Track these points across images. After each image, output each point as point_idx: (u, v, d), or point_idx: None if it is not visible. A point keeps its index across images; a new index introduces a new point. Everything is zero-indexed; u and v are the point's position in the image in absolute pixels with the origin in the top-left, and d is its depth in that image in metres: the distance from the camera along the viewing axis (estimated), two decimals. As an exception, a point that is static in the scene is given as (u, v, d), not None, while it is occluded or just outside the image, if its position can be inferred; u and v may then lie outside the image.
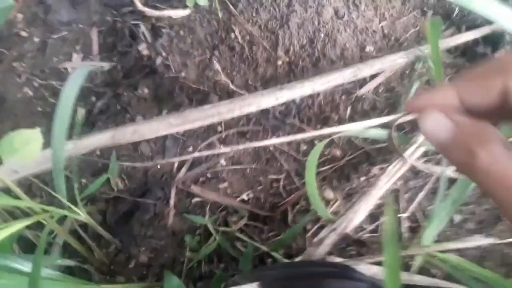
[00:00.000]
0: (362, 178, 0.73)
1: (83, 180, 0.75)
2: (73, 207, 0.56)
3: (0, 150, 0.60)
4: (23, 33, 0.90)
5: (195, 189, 0.71)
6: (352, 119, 0.75)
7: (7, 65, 0.88)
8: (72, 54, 0.87)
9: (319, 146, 0.59)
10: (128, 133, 0.69)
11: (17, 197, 0.59)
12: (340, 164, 0.73)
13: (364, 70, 0.74)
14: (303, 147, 0.74)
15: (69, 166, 0.73)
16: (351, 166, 0.74)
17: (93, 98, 0.82)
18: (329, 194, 0.72)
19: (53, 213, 0.55)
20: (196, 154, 0.75)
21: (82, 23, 0.88)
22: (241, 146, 0.73)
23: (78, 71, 0.63)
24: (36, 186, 0.76)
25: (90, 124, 0.79)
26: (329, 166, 0.74)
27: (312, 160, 0.61)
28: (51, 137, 0.58)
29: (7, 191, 0.61)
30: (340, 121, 0.75)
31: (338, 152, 0.74)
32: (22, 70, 0.87)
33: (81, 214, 0.57)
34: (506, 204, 0.28)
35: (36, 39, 0.90)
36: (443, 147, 0.33)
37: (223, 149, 0.75)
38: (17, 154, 0.61)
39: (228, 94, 0.77)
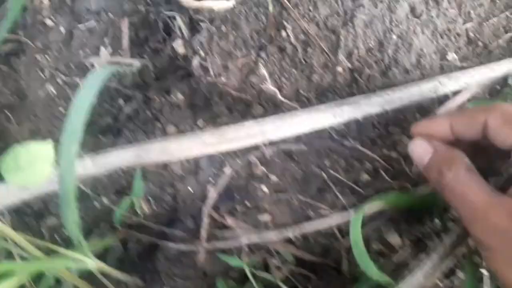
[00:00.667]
0: (436, 220, 0.59)
1: (104, 199, 0.65)
2: (82, 257, 0.46)
3: (3, 169, 0.51)
4: (49, 22, 0.81)
5: (230, 221, 0.60)
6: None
7: (31, 57, 0.79)
8: (100, 48, 0.76)
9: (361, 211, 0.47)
10: (155, 152, 0.58)
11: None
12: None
13: (447, 85, 0.59)
14: (364, 176, 0.60)
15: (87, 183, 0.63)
16: (424, 203, 0.59)
17: (121, 101, 0.72)
18: (395, 238, 0.58)
19: (56, 263, 0.45)
20: (234, 176, 0.63)
21: (112, 12, 0.77)
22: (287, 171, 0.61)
23: (98, 72, 0.51)
24: (54, 202, 0.67)
25: (115, 132, 0.69)
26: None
27: (357, 218, 0.49)
28: (58, 156, 0.47)
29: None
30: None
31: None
32: (46, 64, 0.78)
33: (93, 265, 0.46)
34: (465, 217, 0.40)
35: (62, 29, 0.80)
36: (424, 168, 0.46)
37: (265, 172, 0.62)
38: (23, 174, 0.51)
39: (275, 105, 0.64)
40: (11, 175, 0.50)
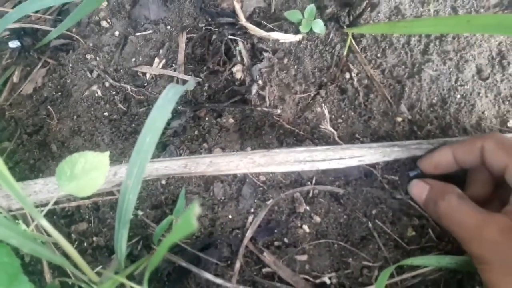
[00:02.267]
0: (477, 287, 0.58)
1: (140, 212, 0.63)
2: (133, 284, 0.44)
3: (58, 174, 0.49)
4: (104, 23, 0.80)
5: (267, 257, 0.58)
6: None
7: (81, 55, 0.79)
8: (154, 58, 0.76)
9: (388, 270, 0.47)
10: (203, 164, 0.57)
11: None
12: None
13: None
14: (411, 232, 0.59)
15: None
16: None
17: (169, 115, 0.71)
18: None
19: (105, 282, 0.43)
20: (276, 210, 0.62)
21: (171, 25, 0.77)
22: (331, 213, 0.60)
23: (170, 92, 0.51)
24: (86, 207, 0.65)
25: (160, 146, 0.68)
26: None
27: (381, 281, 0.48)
28: (126, 174, 0.46)
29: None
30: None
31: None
32: (95, 65, 0.77)
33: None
34: (462, 238, 0.46)
35: (116, 33, 0.79)
36: (423, 203, 0.54)
37: (309, 211, 0.61)
38: (77, 182, 0.50)
39: (327, 144, 0.64)
40: (65, 182, 0.48)
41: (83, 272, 0.43)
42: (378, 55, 0.63)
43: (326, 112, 0.61)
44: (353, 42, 0.64)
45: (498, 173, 0.49)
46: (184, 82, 0.71)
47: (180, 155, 0.66)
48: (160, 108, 0.47)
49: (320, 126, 0.62)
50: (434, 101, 0.62)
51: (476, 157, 0.50)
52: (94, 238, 0.64)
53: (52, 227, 0.41)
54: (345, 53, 0.62)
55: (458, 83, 0.62)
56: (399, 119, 0.62)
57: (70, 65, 0.78)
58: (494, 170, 0.49)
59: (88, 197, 0.64)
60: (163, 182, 0.65)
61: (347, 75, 0.64)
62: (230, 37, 0.69)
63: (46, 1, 0.65)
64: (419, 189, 0.54)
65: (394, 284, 0.56)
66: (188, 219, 0.25)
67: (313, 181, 0.62)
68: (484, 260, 0.44)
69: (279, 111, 0.65)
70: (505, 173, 0.48)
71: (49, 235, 0.42)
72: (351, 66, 0.63)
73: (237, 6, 0.69)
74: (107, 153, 0.51)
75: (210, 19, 0.74)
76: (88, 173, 0.49)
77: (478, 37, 0.64)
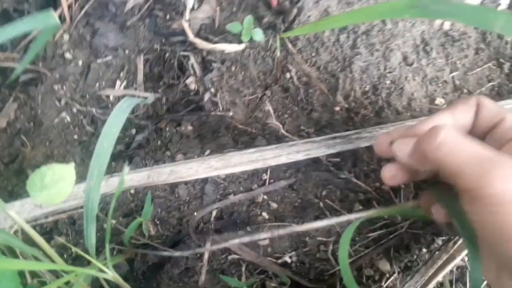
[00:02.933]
0: (424, 250, 0.64)
1: (113, 221, 0.69)
2: (102, 267, 0.49)
3: (29, 187, 0.55)
4: (68, 55, 0.87)
5: (232, 244, 0.64)
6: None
7: (48, 87, 0.85)
8: (116, 81, 0.82)
9: (353, 226, 0.52)
10: (164, 174, 0.63)
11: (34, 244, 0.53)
12: (400, 231, 0.64)
13: (434, 125, 0.66)
14: (358, 206, 0.66)
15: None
16: (412, 234, 0.64)
17: (133, 131, 0.77)
18: (385, 265, 0.63)
19: (79, 273, 0.49)
20: (237, 202, 0.68)
21: (128, 49, 0.84)
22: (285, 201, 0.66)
23: (123, 104, 0.57)
24: (63, 222, 0.70)
25: (127, 159, 0.73)
26: (386, 231, 0.65)
27: (345, 238, 0.53)
28: (88, 176, 0.52)
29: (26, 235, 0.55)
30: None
31: (399, 216, 0.65)
32: (62, 94, 0.83)
33: (110, 273, 0.50)
34: (470, 173, 0.36)
35: (80, 62, 0.86)
36: (413, 150, 0.44)
37: (266, 199, 0.67)
38: (47, 192, 0.55)
39: (277, 139, 0.70)
40: (36, 193, 0.54)
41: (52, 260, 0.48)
42: (313, 54, 0.71)
43: (271, 109, 0.68)
44: (290, 45, 0.71)
45: (489, 128, 0.46)
46: (145, 99, 0.77)
47: (146, 165, 0.72)
48: (114, 117, 0.53)
49: (268, 122, 0.68)
50: (366, 89, 0.69)
51: (472, 115, 0.46)
52: (73, 249, 0.68)
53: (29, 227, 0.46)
54: (278, 54, 0.69)
55: (387, 71, 0.70)
56: (337, 108, 0.69)
57: (40, 96, 0.85)
58: (488, 124, 0.45)
59: (64, 212, 0.69)
60: (132, 191, 0.71)
61: (288, 75, 0.71)
62: (182, 53, 0.76)
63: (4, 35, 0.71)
64: (403, 145, 0.45)
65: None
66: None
67: (268, 173, 0.68)
68: (505, 200, 0.34)
69: (231, 113, 0.71)
70: (499, 126, 0.44)
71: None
72: (290, 67, 0.71)
73: (186, 25, 0.76)
74: (72, 164, 0.56)
75: (163, 40, 0.81)
76: (56, 183, 0.55)
77: (400, 28, 0.72)
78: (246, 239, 0.63)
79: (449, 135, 0.39)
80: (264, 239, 0.65)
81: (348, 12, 0.67)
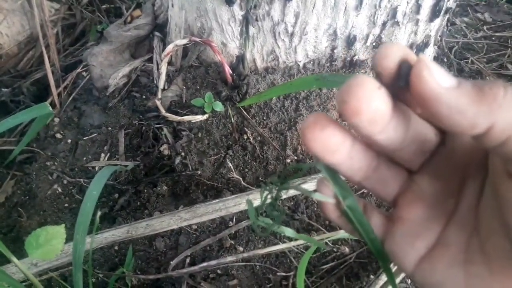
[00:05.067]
0: (372, 276, 0.74)
1: (100, 275, 0.78)
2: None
3: (26, 246, 0.65)
4: (58, 135, 1.00)
5: (205, 286, 0.73)
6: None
7: (41, 164, 0.97)
8: (100, 154, 0.95)
9: (308, 253, 0.62)
10: (141, 228, 0.73)
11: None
12: (349, 261, 0.74)
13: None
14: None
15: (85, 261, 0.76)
16: (360, 263, 0.74)
17: (116, 195, 0.88)
18: (338, 291, 0.72)
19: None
20: (207, 249, 0.78)
21: (111, 126, 0.98)
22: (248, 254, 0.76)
23: (103, 171, 0.69)
24: (56, 280, 0.79)
25: (111, 220, 0.84)
26: (337, 262, 0.75)
27: (301, 267, 0.64)
28: (74, 233, 0.63)
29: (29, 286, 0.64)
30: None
31: (347, 249, 0.76)
32: (54, 169, 0.95)
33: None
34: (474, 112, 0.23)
35: (69, 141, 0.99)
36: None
37: (233, 244, 0.77)
38: (41, 249, 0.65)
39: (240, 190, 0.82)
40: (33, 251, 0.64)
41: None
42: (264, 118, 0.85)
43: (232, 165, 0.81)
44: (245, 112, 0.86)
45: None
46: (126, 166, 0.90)
47: (127, 223, 0.82)
48: (96, 182, 0.65)
49: (231, 176, 0.81)
50: (310, 142, 0.82)
51: None
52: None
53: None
54: (233, 121, 0.83)
55: (326, 126, 0.84)
56: (288, 160, 0.82)
57: (34, 173, 0.96)
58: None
59: (56, 269, 0.78)
60: (116, 248, 0.81)
61: (245, 136, 0.84)
62: (156, 126, 0.90)
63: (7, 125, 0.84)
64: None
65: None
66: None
67: (234, 220, 0.79)
68: None
69: (200, 172, 0.84)
70: None
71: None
72: (246, 129, 0.84)
73: (158, 103, 0.91)
74: (62, 225, 0.67)
75: (140, 116, 0.95)
76: (49, 241, 0.65)
77: (335, 91, 0.88)
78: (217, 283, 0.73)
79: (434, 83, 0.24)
80: (233, 279, 0.74)
81: (272, 88, 0.83)
